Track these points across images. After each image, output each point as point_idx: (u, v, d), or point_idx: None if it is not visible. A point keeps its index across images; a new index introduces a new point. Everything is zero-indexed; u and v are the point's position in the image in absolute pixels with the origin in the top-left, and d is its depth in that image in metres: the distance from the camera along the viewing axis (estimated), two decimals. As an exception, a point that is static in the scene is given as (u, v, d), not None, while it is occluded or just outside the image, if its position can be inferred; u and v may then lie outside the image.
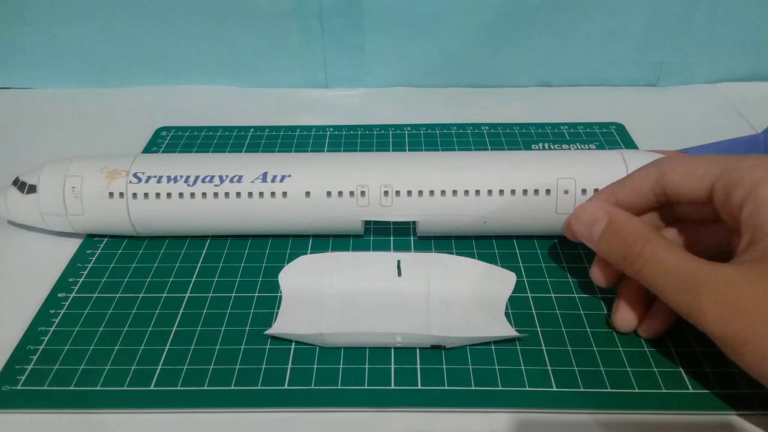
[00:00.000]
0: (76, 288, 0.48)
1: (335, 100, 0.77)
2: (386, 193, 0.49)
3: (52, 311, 0.46)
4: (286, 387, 0.40)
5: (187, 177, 0.49)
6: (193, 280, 0.49)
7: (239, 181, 0.49)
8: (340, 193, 0.49)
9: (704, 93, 0.76)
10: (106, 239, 0.53)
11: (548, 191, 0.48)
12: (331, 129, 0.69)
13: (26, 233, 0.54)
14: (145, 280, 0.49)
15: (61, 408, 0.39)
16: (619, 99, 0.76)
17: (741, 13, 0.72)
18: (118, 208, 0.49)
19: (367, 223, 0.51)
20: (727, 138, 0.54)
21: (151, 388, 0.40)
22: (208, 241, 0.53)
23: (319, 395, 0.40)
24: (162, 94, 0.78)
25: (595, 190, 0.48)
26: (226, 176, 0.49)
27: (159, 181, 0.49)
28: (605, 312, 0.45)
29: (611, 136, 0.67)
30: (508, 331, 0.43)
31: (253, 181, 0.49)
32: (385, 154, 0.57)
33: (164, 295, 0.47)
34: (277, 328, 0.43)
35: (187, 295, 0.47)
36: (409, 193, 0.49)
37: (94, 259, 0.51)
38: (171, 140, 0.68)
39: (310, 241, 0.52)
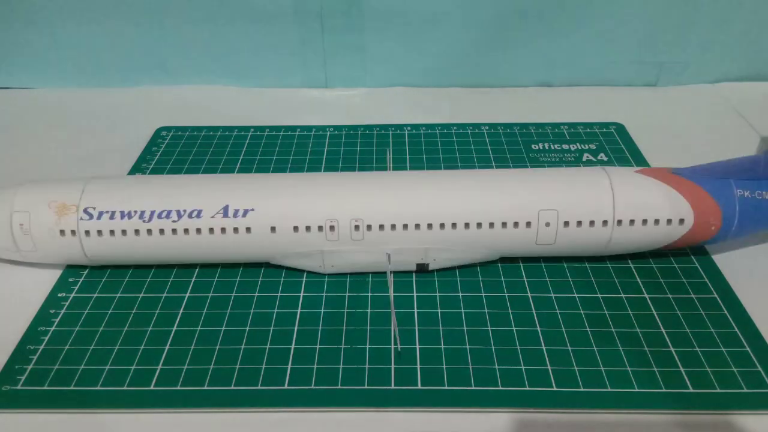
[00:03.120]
0: (77, 288, 0.48)
1: (335, 100, 0.77)
2: (357, 227, 0.46)
3: (52, 311, 0.46)
4: (286, 387, 0.40)
5: (142, 212, 0.46)
6: (193, 279, 0.49)
7: (198, 216, 0.46)
8: (308, 228, 0.46)
9: (704, 93, 0.77)
10: (106, 239, 0.53)
11: (528, 224, 0.47)
12: (331, 129, 0.69)
13: (26, 233, 0.54)
14: (145, 280, 0.49)
15: (61, 408, 0.39)
16: (619, 99, 0.76)
17: (741, 13, 0.72)
18: (72, 246, 0.47)
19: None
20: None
21: (151, 388, 0.40)
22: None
23: (319, 395, 0.40)
24: (162, 94, 0.78)
25: (579, 223, 0.46)
26: (184, 211, 0.46)
27: (112, 218, 0.46)
28: (605, 312, 0.45)
29: (611, 136, 0.67)
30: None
31: (213, 216, 0.46)
32: (356, 178, 0.52)
33: (164, 295, 0.47)
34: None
35: (187, 295, 0.47)
36: (381, 227, 0.46)
37: (94, 259, 0.51)
38: (171, 140, 0.68)
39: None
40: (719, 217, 0.46)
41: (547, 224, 0.46)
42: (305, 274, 0.49)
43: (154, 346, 0.43)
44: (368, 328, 0.44)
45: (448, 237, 0.47)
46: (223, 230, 0.46)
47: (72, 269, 0.50)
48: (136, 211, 0.46)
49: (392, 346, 0.43)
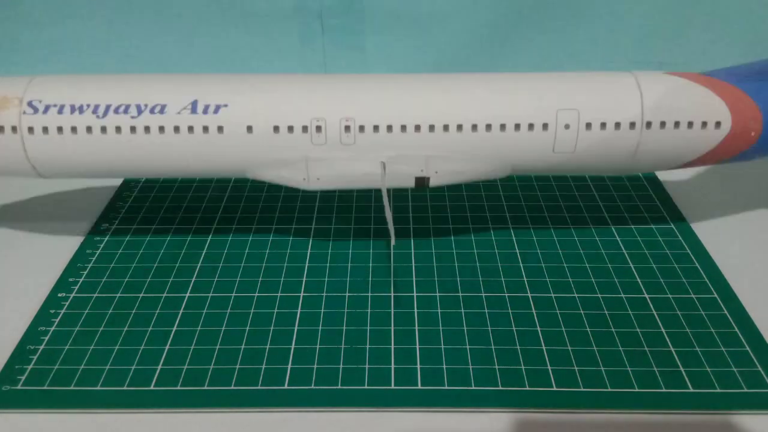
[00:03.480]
0: (76, 288, 0.48)
1: (335, 100, 0.77)
2: (347, 128, 0.40)
3: (52, 311, 0.46)
4: (286, 387, 0.40)
5: (96, 106, 0.40)
6: (193, 280, 0.49)
7: (162, 111, 0.40)
8: (290, 128, 0.40)
9: (704, 93, 0.76)
10: (106, 239, 0.53)
11: (545, 126, 0.41)
12: (331, 129, 0.69)
13: (26, 232, 0.54)
14: (145, 280, 0.49)
15: (61, 408, 0.39)
16: (619, 99, 0.76)
17: (741, 12, 0.72)
18: (12, 147, 0.40)
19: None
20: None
21: (151, 388, 0.40)
22: (209, 240, 0.53)
23: (319, 395, 0.40)
24: (162, 94, 0.78)
25: (602, 125, 0.41)
26: (146, 105, 0.40)
27: (61, 112, 0.40)
28: (605, 312, 0.45)
29: (611, 136, 0.67)
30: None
31: (179, 112, 0.40)
32: (347, 77, 0.46)
33: (164, 295, 0.47)
34: None
35: (187, 295, 0.47)
36: (376, 128, 0.41)
37: (94, 259, 0.51)
38: (171, 140, 0.67)
39: (310, 241, 0.52)
40: (759, 120, 0.41)
41: (567, 126, 0.40)
42: (305, 273, 0.49)
43: (154, 346, 0.43)
44: (368, 328, 0.44)
45: (453, 142, 0.41)
46: (190, 129, 0.40)
47: (72, 269, 0.50)
48: (89, 105, 0.40)
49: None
